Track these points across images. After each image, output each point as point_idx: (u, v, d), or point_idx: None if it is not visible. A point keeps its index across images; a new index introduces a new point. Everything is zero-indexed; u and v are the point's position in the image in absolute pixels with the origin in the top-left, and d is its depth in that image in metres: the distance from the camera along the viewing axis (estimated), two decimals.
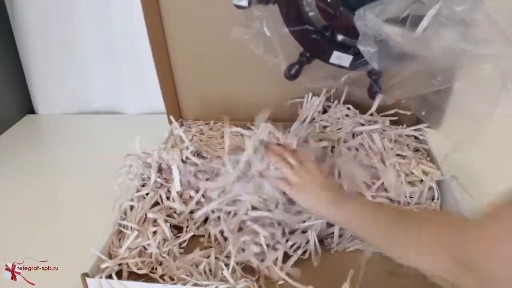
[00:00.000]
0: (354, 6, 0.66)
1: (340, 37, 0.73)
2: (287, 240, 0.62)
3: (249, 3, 0.70)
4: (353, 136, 0.79)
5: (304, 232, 0.63)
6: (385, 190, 0.70)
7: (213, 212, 0.68)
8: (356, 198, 0.61)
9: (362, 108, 0.86)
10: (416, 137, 0.83)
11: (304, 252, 0.62)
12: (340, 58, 0.73)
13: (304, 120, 0.85)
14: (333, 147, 0.78)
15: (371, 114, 0.84)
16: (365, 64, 0.67)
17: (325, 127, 0.82)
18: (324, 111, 0.87)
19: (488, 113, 0.62)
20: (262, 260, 0.59)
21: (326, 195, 0.56)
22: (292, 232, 0.64)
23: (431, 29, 0.58)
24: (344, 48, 0.73)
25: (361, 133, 0.79)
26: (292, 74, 0.79)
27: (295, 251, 0.62)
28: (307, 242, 0.62)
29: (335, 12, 0.68)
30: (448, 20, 0.56)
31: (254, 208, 0.66)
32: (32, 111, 1.18)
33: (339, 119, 0.83)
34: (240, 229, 0.64)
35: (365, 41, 0.61)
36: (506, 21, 0.56)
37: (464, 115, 0.68)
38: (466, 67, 0.64)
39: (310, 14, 0.72)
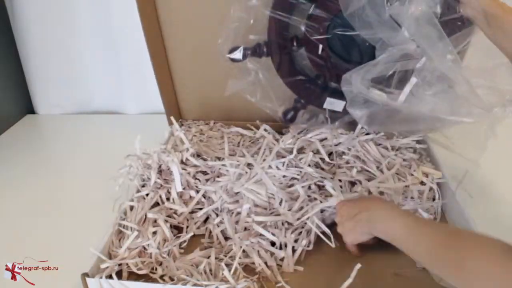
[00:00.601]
0: (344, 56, 0.72)
1: (332, 84, 0.77)
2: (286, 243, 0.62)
3: (244, 57, 0.74)
4: (349, 149, 0.79)
5: (302, 227, 0.64)
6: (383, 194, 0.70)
7: (216, 214, 0.68)
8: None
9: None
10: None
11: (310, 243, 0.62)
12: (333, 103, 0.77)
13: (301, 132, 0.84)
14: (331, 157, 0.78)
15: None
16: None
17: (322, 139, 0.82)
18: None
19: (476, 158, 0.64)
20: (266, 262, 0.59)
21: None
22: (292, 231, 0.64)
23: (416, 86, 0.59)
24: (336, 94, 0.76)
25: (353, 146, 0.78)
26: (288, 119, 0.83)
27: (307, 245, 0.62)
28: (308, 232, 0.63)
29: (326, 63, 0.72)
30: (432, 74, 0.57)
31: (256, 205, 0.66)
32: (32, 111, 1.18)
33: (334, 135, 0.82)
34: (244, 229, 0.64)
35: (353, 105, 0.64)
36: (483, 79, 0.58)
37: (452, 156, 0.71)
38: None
39: (303, 62, 0.76)
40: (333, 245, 0.61)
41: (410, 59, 0.59)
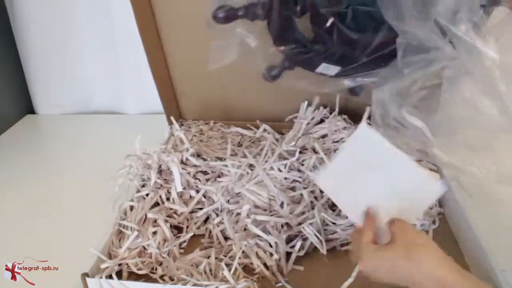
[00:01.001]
0: (354, 29, 0.62)
1: (330, 52, 0.68)
2: (287, 242, 0.62)
3: (232, 17, 0.63)
4: None
5: (299, 231, 0.63)
6: None
7: (216, 214, 0.68)
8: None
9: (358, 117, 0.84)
10: None
11: (302, 249, 0.62)
12: (327, 68, 0.71)
13: (307, 124, 0.84)
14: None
15: None
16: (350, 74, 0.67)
17: (323, 136, 0.82)
18: (321, 121, 0.86)
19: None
20: (265, 263, 0.59)
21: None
22: (291, 235, 0.63)
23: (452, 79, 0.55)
24: (332, 61, 0.69)
25: None
26: (272, 75, 0.74)
27: (299, 250, 0.61)
28: (305, 239, 0.62)
29: (331, 36, 0.63)
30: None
31: (257, 206, 0.66)
32: (32, 111, 1.18)
33: (336, 131, 0.82)
34: (244, 229, 0.64)
35: (379, 119, 0.60)
36: None
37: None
38: None
39: (302, 28, 0.68)
40: (324, 252, 0.60)
41: (439, 64, 0.53)
